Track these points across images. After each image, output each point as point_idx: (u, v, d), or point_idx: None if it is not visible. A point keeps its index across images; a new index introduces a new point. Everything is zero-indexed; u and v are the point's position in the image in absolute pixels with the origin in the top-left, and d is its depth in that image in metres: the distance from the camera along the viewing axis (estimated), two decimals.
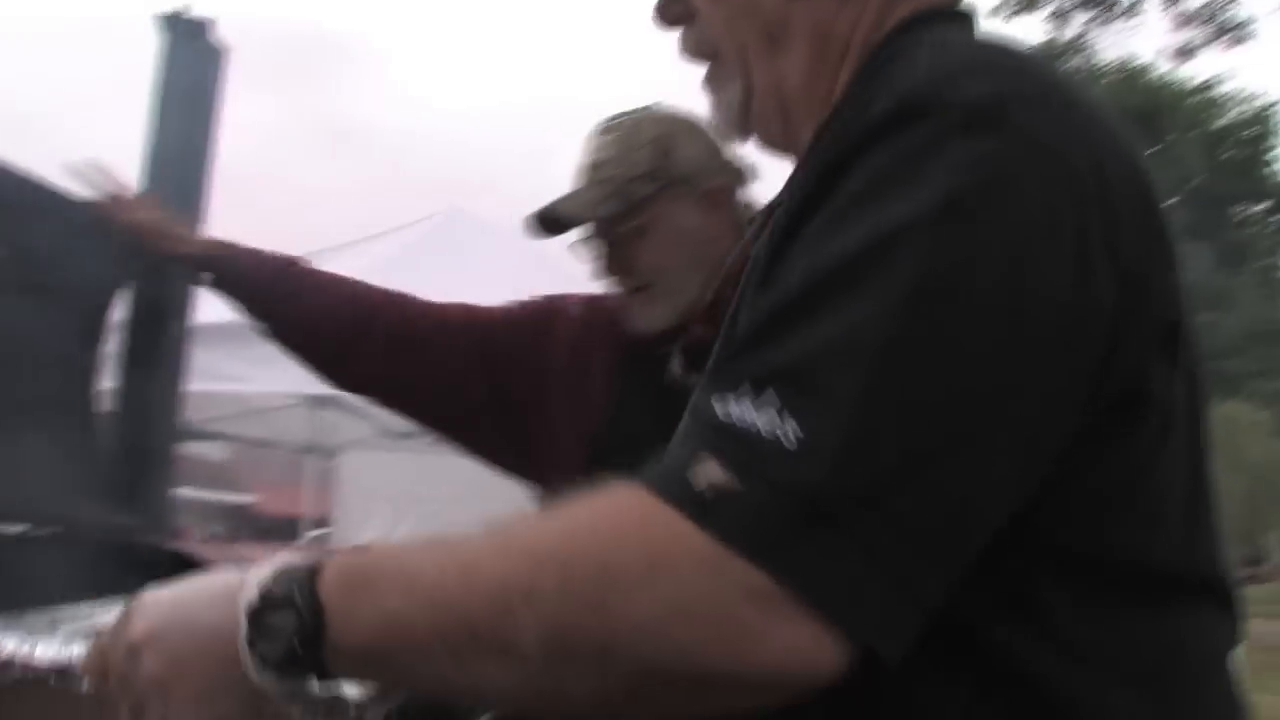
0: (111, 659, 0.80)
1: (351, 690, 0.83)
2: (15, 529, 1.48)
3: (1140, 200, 0.70)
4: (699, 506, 0.61)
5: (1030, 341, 0.63)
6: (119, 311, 1.69)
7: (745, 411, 0.62)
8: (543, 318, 1.67)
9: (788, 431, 0.61)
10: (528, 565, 0.65)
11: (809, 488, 0.60)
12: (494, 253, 4.94)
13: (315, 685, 0.73)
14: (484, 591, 0.65)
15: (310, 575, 0.71)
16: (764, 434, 0.61)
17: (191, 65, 1.73)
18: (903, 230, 0.63)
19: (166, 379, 1.74)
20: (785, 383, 0.62)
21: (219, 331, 2.96)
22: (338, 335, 1.66)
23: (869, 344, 0.61)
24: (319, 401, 5.49)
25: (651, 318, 1.52)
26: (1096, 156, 0.67)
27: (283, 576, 0.72)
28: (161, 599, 0.80)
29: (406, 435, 5.69)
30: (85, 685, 0.82)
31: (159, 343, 1.72)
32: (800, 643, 0.61)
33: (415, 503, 5.50)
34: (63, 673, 0.90)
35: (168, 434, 1.75)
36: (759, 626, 0.61)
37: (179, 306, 1.75)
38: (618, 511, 0.65)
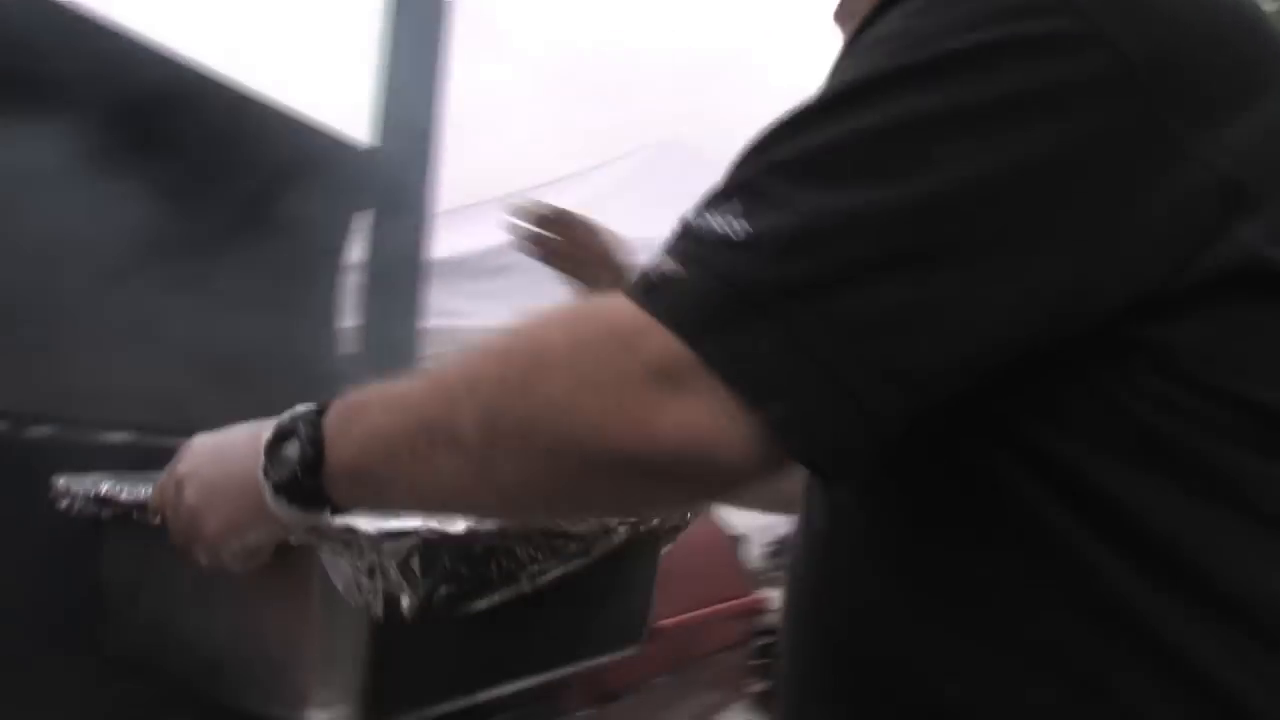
0: (164, 494, 0.89)
1: (367, 525, 0.90)
2: None
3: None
4: (643, 291, 0.63)
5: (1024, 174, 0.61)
6: (358, 248, 1.76)
7: (708, 217, 0.64)
8: None
9: (737, 228, 0.62)
10: (480, 360, 0.69)
11: (743, 276, 0.61)
12: (708, 182, 4.90)
13: (329, 518, 0.82)
14: (439, 388, 0.70)
15: (318, 411, 0.78)
16: (716, 230, 0.63)
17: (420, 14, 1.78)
18: (895, 72, 0.63)
19: (406, 315, 1.82)
20: (748, 191, 0.64)
21: (444, 267, 3.07)
22: None
23: (831, 157, 0.63)
24: None
25: None
26: None
27: (296, 415, 0.79)
28: (205, 441, 0.89)
29: None
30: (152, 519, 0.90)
31: (398, 279, 1.80)
32: (701, 417, 0.61)
33: None
34: (142, 508, 0.99)
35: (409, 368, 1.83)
36: (661, 398, 0.61)
37: (417, 243, 1.81)
38: (579, 309, 0.69)
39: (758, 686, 2.19)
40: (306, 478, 0.78)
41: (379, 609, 0.94)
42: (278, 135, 1.58)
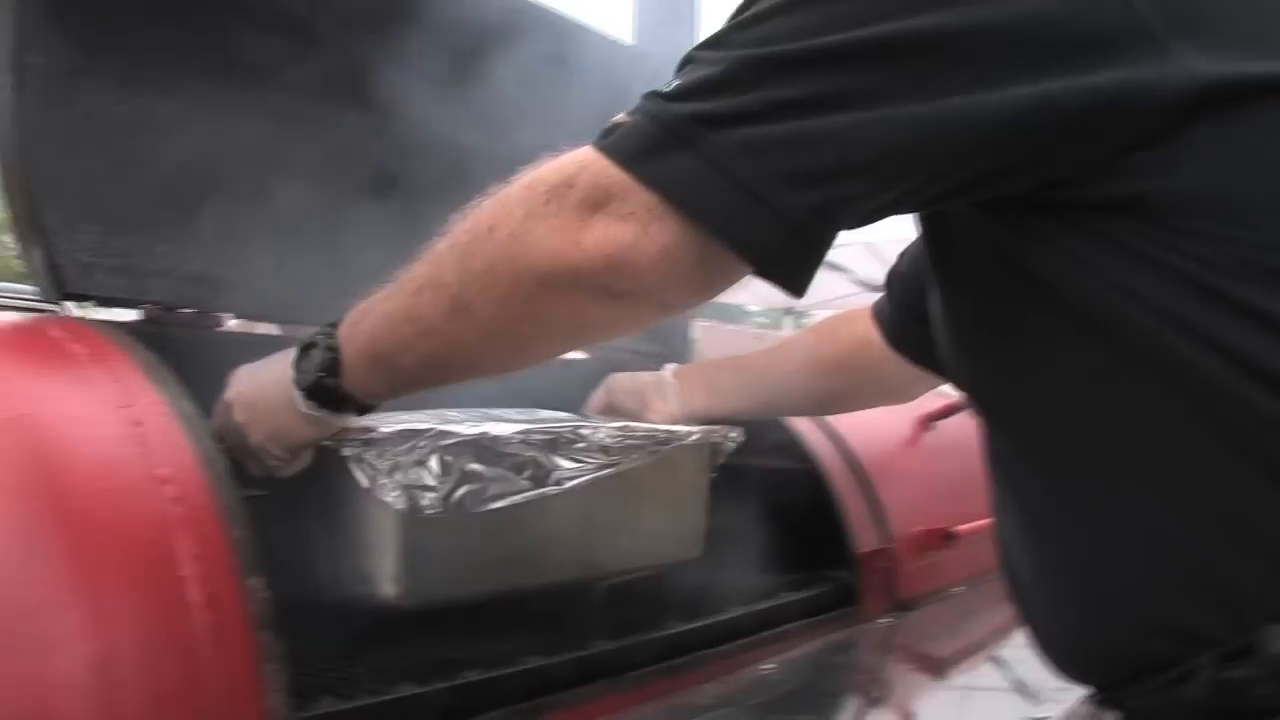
0: (218, 418, 1.03)
1: (387, 426, 1.04)
2: None
3: None
4: (597, 139, 0.76)
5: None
6: None
7: (655, 89, 0.74)
8: None
9: (670, 87, 0.73)
10: (460, 223, 0.83)
11: (670, 115, 0.71)
12: None
13: (354, 418, 0.99)
14: (428, 256, 0.85)
15: (334, 323, 0.95)
16: (660, 89, 0.74)
17: None
18: None
19: None
20: (686, 62, 0.75)
21: None
22: None
23: (756, 23, 0.71)
24: None
25: None
26: None
27: (318, 330, 0.96)
28: (246, 368, 1.04)
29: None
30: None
31: None
32: (625, 231, 0.72)
33: None
34: None
35: None
36: (592, 218, 0.73)
37: None
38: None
39: None
40: (329, 378, 0.94)
41: (401, 502, 1.06)
42: (544, 32, 1.57)
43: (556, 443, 1.22)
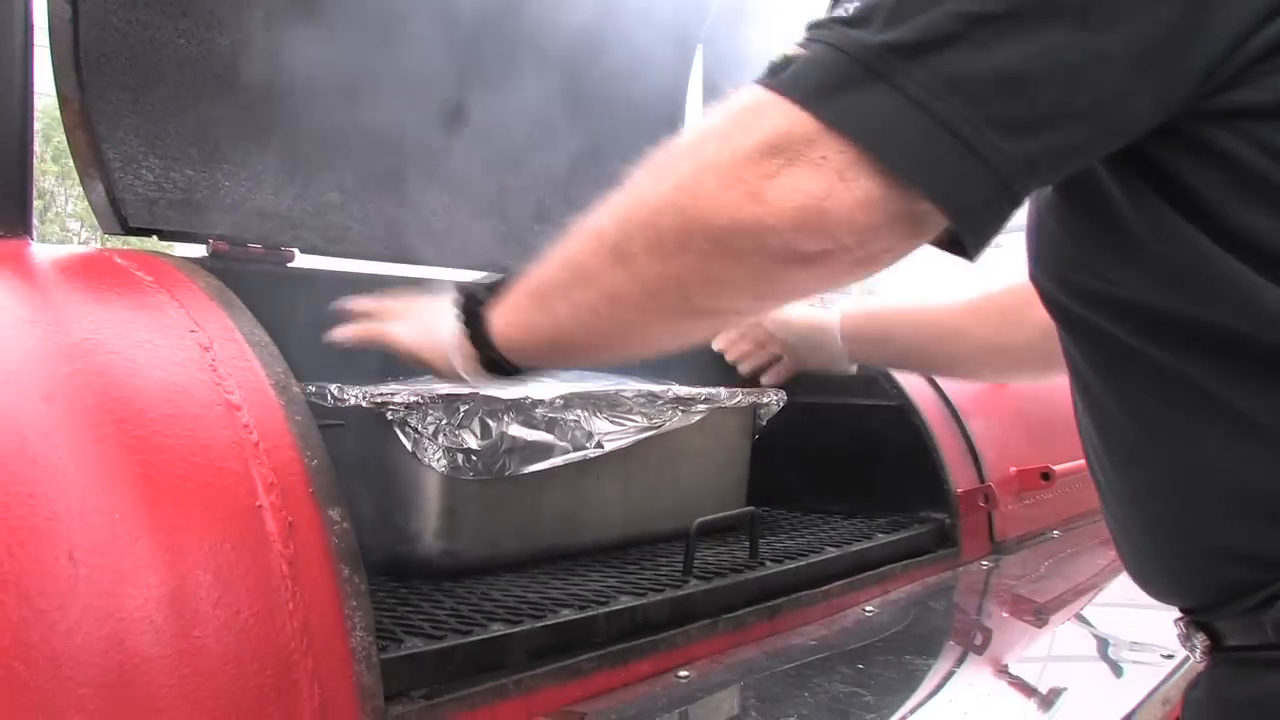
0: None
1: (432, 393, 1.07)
2: None
3: None
4: (767, 74, 0.65)
5: None
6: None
7: (826, 13, 0.65)
8: None
9: (850, 9, 0.63)
10: (635, 173, 0.72)
11: (856, 43, 0.62)
12: None
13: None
14: (603, 206, 0.75)
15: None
16: (834, 14, 0.64)
17: None
18: None
19: None
20: None
21: None
22: None
23: None
24: None
25: None
26: None
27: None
28: (405, 298, 1.00)
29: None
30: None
31: None
32: (816, 183, 0.62)
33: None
34: None
35: None
36: (776, 168, 0.63)
37: None
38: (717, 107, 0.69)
39: None
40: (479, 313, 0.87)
41: (444, 465, 1.09)
42: None
43: (598, 405, 1.22)
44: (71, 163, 1.16)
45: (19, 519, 0.70)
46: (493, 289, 0.89)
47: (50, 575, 0.69)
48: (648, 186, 0.70)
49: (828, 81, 0.62)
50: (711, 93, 1.87)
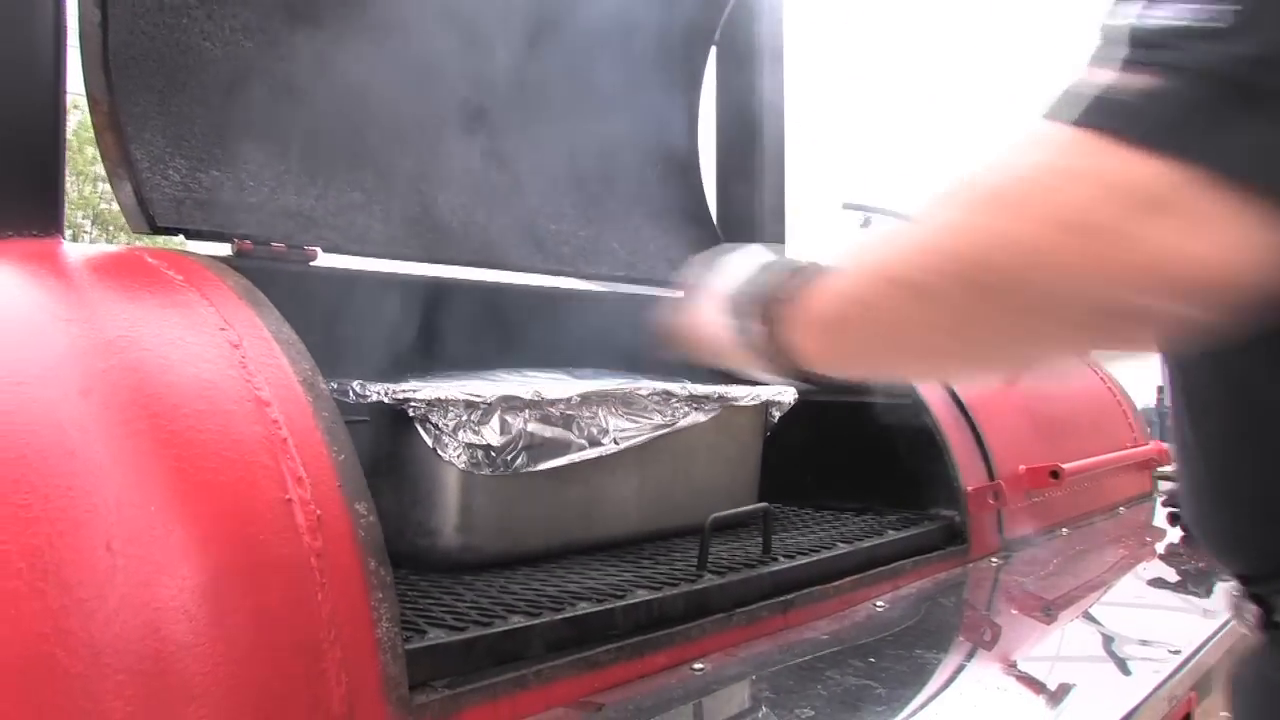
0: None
1: (453, 391, 1.11)
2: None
3: None
4: (1109, 113, 0.54)
5: None
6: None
7: (1153, 12, 0.54)
8: None
9: (1197, 13, 0.52)
10: (951, 210, 0.62)
11: (1228, 62, 0.51)
12: None
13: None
14: (911, 245, 0.64)
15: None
16: (1171, 23, 0.53)
17: None
18: None
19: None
20: None
21: None
22: None
23: None
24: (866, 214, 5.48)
25: None
26: None
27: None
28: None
29: None
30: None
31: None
32: (1213, 241, 0.51)
33: None
34: None
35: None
36: (1162, 230, 0.52)
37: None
38: (1033, 144, 0.58)
39: (1169, 540, 1.98)
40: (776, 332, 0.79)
41: (463, 461, 1.12)
42: None
43: (614, 402, 1.25)
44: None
45: (59, 510, 0.72)
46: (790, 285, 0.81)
47: (89, 565, 0.72)
48: (988, 247, 0.59)
49: (1206, 116, 0.52)
50: (728, 91, 1.89)
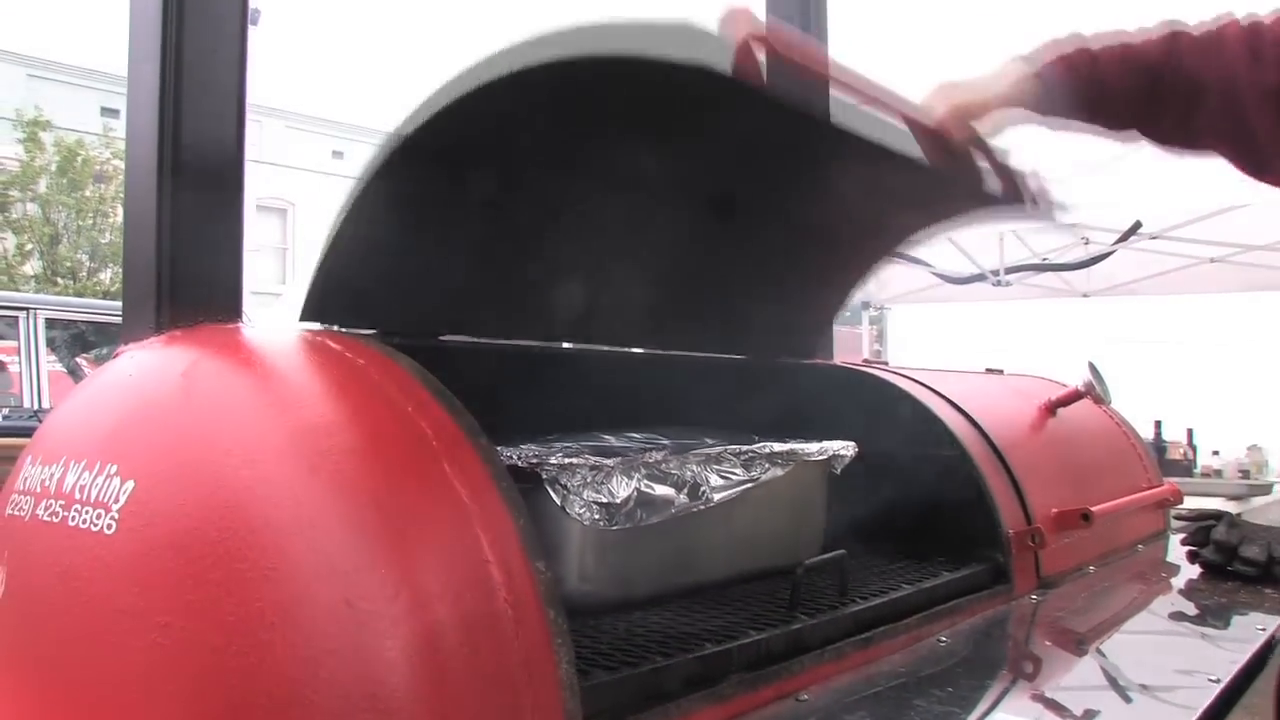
0: None
1: (576, 459, 1.26)
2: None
3: None
4: None
5: None
6: None
7: None
8: None
9: None
10: None
11: None
12: None
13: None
14: None
15: None
16: None
17: None
18: None
19: None
20: None
21: None
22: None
23: None
24: None
25: None
26: None
27: None
28: None
29: (960, 281, 5.68)
30: None
31: None
32: None
33: (968, 354, 5.52)
34: None
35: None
36: None
37: None
38: None
39: (1189, 575, 2.13)
40: None
41: (585, 517, 1.26)
42: None
43: (709, 461, 1.40)
44: None
45: (305, 571, 0.87)
46: None
47: (334, 619, 0.86)
48: None
49: None
50: None
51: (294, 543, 0.89)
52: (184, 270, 1.20)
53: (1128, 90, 1.43)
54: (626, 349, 1.79)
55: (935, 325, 6.98)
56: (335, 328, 1.29)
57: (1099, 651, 1.57)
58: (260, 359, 1.09)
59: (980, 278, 5.43)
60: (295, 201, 26.16)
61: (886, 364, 2.37)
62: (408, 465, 0.97)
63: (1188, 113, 1.42)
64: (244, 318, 1.22)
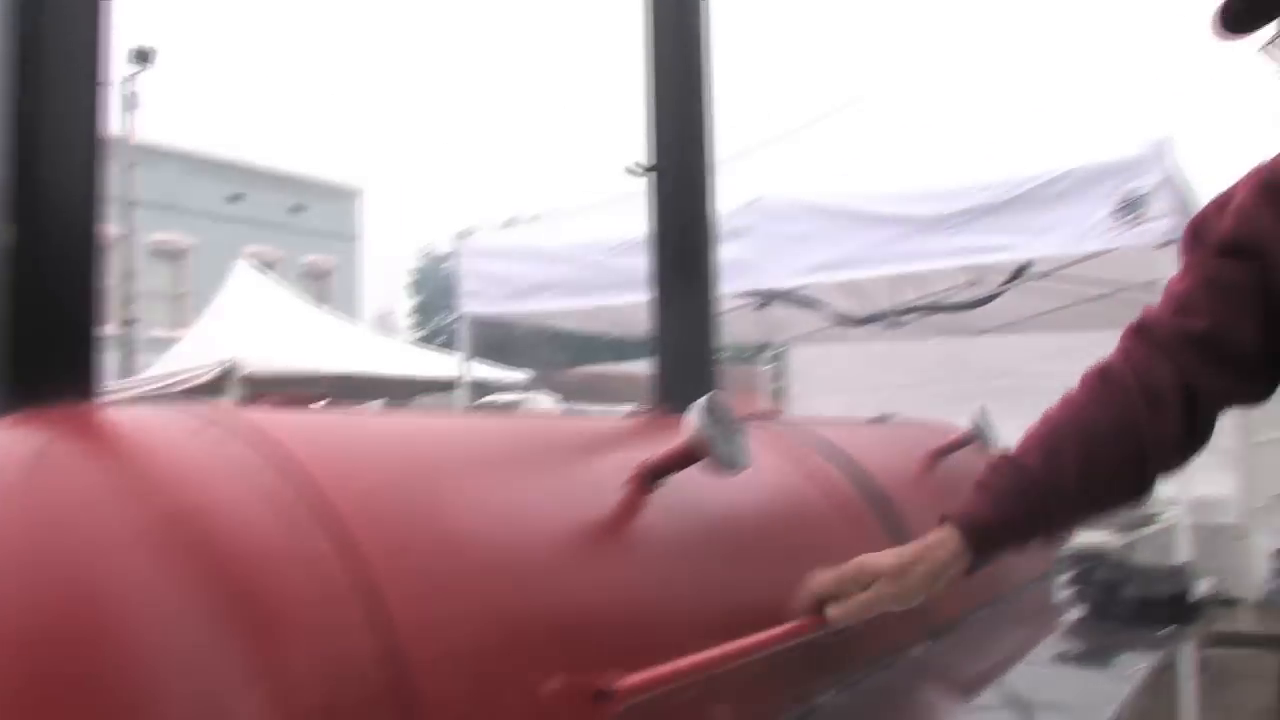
0: None
1: None
2: None
3: None
4: None
5: None
6: None
7: None
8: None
9: None
10: None
11: None
12: None
13: None
14: None
15: None
16: None
17: None
18: None
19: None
20: None
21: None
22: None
23: None
24: (765, 298, 5.70)
25: None
26: None
27: None
28: None
29: (857, 323, 5.79)
30: None
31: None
32: None
33: (869, 391, 5.60)
34: None
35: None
36: None
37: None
38: None
39: (1071, 616, 2.19)
40: None
41: None
42: None
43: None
44: None
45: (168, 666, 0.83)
46: None
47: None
48: None
49: None
50: None
51: (151, 635, 0.86)
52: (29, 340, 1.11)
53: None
54: None
55: (837, 363, 7.09)
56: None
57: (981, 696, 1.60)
58: (116, 441, 1.04)
59: (875, 319, 5.55)
60: (190, 245, 25.65)
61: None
62: (272, 549, 0.94)
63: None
64: (98, 395, 1.14)
